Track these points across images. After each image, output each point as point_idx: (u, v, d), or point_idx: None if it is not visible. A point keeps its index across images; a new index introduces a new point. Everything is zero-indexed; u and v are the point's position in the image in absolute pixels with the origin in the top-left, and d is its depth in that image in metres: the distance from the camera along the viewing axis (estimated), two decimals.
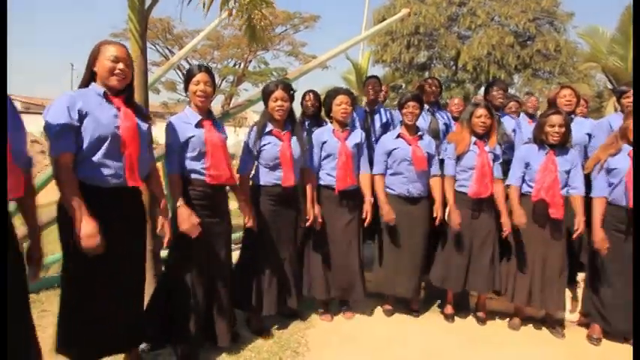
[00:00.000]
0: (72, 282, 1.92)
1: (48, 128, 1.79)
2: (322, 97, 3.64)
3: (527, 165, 2.89)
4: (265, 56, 17.95)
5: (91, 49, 1.95)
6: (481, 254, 2.97)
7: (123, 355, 2.23)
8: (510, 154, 3.17)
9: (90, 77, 1.95)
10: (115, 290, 1.98)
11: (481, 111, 2.94)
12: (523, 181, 2.93)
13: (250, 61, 17.75)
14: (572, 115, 3.29)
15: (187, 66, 17.95)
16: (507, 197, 2.97)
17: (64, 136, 1.78)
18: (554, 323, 3.02)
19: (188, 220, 2.19)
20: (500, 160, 3.04)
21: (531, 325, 3.09)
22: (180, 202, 2.23)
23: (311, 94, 3.55)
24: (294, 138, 2.70)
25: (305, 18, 16.71)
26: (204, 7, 3.07)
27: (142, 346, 2.37)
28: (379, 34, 14.83)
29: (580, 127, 3.26)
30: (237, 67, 17.75)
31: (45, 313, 2.85)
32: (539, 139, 2.88)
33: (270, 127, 2.67)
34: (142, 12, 2.63)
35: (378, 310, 3.23)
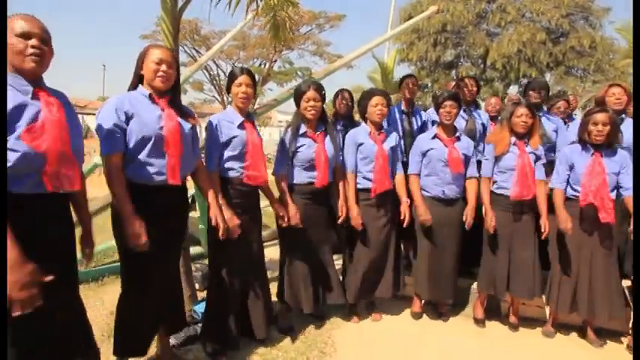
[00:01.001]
0: (124, 276, 2.07)
1: (99, 129, 1.89)
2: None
3: (571, 167, 2.76)
4: (290, 56, 18.09)
5: (138, 53, 2.03)
6: (522, 258, 2.86)
7: (155, 350, 2.29)
8: (550, 156, 3.05)
9: (138, 80, 2.03)
10: (155, 283, 2.05)
11: (522, 110, 2.83)
12: (567, 184, 2.80)
13: (275, 60, 17.90)
14: (623, 115, 3.08)
15: (214, 66, 18.31)
16: (549, 200, 2.85)
17: (113, 137, 1.87)
18: (592, 332, 2.88)
19: (233, 221, 2.27)
20: (544, 162, 2.93)
21: (566, 332, 2.97)
22: (222, 201, 2.29)
23: (344, 94, 3.53)
24: (328, 139, 2.71)
25: (330, 17, 16.68)
26: (229, 7, 3.10)
27: (172, 341, 2.42)
28: (405, 32, 14.65)
29: (630, 128, 3.02)
30: (262, 67, 17.92)
31: (88, 299, 2.94)
32: (583, 139, 2.75)
33: (303, 128, 2.67)
34: (174, 13, 2.67)
35: (406, 312, 3.19)
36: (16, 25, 1.48)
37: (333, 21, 16.79)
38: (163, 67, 1.96)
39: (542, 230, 2.79)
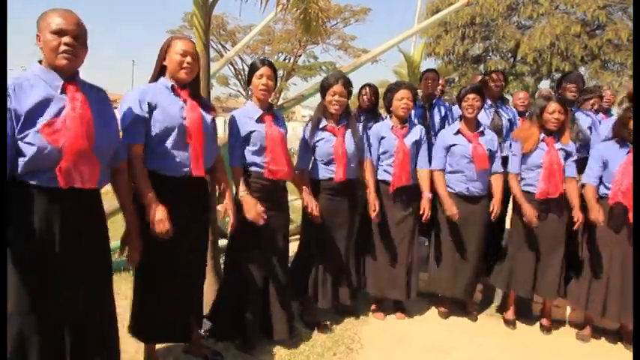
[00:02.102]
0: (142, 267, 2.01)
1: (122, 120, 1.89)
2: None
3: (605, 164, 2.66)
4: (315, 50, 18.07)
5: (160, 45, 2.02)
6: (549, 258, 2.79)
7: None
8: (585, 153, 2.93)
9: (160, 71, 2.02)
10: (180, 275, 2.05)
11: (554, 106, 2.72)
12: (601, 182, 2.71)
13: (300, 55, 17.91)
14: None
15: (239, 61, 18.47)
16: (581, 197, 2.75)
17: (135, 128, 1.87)
18: (630, 336, 2.77)
19: (254, 209, 2.24)
20: (575, 158, 2.83)
21: (603, 337, 2.86)
22: (243, 192, 2.27)
23: (367, 88, 3.48)
24: (349, 132, 2.67)
25: (355, 11, 16.54)
26: (260, 2, 3.11)
27: (202, 332, 2.44)
28: (432, 25, 14.34)
29: None
30: (287, 61, 17.97)
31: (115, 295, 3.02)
32: (620, 136, 2.64)
33: (324, 122, 2.65)
34: (205, 8, 2.68)
35: (433, 311, 3.14)
36: (52, 22, 1.48)
37: (358, 15, 16.64)
38: (188, 58, 1.95)
39: (575, 220, 2.70)
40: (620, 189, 2.54)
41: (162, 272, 2.01)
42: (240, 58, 18.14)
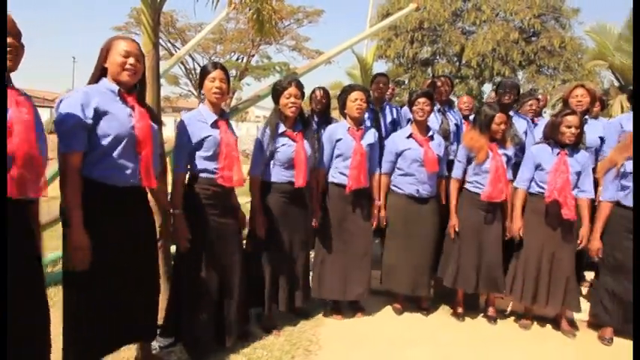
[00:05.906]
0: (76, 282, 1.83)
1: (59, 124, 1.74)
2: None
3: (538, 166, 2.86)
4: (268, 50, 17.94)
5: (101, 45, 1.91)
6: (491, 255, 2.96)
7: (135, 352, 2.22)
8: (521, 157, 3.13)
9: (100, 73, 1.90)
10: (125, 286, 1.92)
11: (502, 117, 2.88)
12: (533, 181, 2.91)
13: (253, 55, 17.71)
14: (586, 116, 3.20)
15: (190, 60, 17.93)
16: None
17: (76, 135, 1.73)
18: (565, 323, 3.00)
19: (183, 237, 2.22)
20: (513, 162, 3.02)
21: (542, 324, 3.07)
22: (178, 211, 2.23)
23: (320, 91, 3.50)
24: (306, 138, 2.68)
25: (309, 12, 16.62)
26: (212, 1, 3.05)
27: (153, 344, 2.35)
28: (383, 29, 14.71)
29: (593, 130, 3.20)
30: (239, 61, 17.70)
31: (52, 308, 2.82)
32: (552, 139, 2.85)
33: (282, 127, 2.63)
34: (154, 4, 2.57)
35: (388, 308, 3.22)
36: None
37: (311, 16, 16.73)
38: (131, 60, 1.85)
39: (507, 233, 2.96)
40: (555, 187, 2.74)
41: (102, 286, 1.84)
42: (192, 57, 17.64)
